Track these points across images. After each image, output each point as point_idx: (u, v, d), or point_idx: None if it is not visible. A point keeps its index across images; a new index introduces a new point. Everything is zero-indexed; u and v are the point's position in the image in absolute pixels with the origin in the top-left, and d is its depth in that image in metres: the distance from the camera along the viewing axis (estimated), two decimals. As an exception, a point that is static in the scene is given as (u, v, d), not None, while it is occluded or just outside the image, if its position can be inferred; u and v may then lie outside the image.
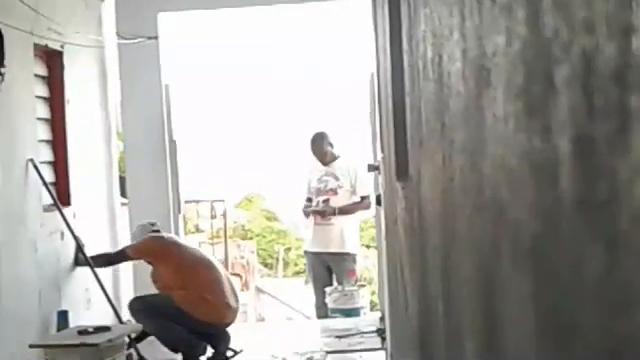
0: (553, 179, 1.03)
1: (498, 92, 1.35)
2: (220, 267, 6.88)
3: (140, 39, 7.71)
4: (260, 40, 16.37)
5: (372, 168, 6.84)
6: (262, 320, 11.30)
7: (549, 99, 1.04)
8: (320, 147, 8.54)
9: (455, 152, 1.86)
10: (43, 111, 6.49)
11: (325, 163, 8.56)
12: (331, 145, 8.58)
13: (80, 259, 6.62)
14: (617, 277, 0.83)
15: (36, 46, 6.20)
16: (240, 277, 11.90)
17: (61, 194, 6.59)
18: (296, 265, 15.71)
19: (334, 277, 8.59)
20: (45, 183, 6.14)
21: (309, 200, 8.63)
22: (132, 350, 6.23)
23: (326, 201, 8.48)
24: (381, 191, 6.00)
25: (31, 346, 5.55)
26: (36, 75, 6.33)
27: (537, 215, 1.14)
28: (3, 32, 5.45)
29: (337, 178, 8.52)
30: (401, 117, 3.25)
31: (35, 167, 6.01)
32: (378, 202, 6.44)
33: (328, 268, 8.61)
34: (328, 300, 8.33)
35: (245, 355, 6.64)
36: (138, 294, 6.94)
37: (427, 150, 2.47)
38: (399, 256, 4.04)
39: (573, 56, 0.94)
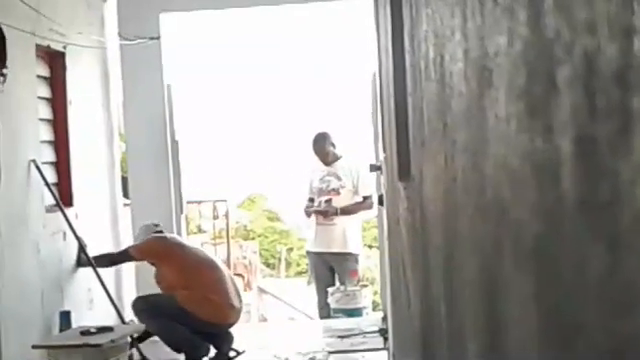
0: (555, 180, 1.03)
1: (500, 92, 1.35)
2: (223, 267, 6.88)
3: (142, 39, 7.71)
4: (262, 40, 16.38)
5: (374, 168, 6.83)
6: (264, 320, 11.30)
7: (551, 100, 1.04)
8: (322, 147, 8.54)
9: (457, 152, 1.86)
10: (45, 112, 6.50)
11: (327, 163, 8.56)
12: (333, 145, 8.58)
13: (82, 259, 6.62)
14: (619, 277, 0.83)
15: (38, 47, 6.20)
16: (242, 277, 11.91)
17: (63, 195, 6.60)
18: (298, 265, 15.72)
19: (336, 277, 8.59)
20: (47, 184, 6.14)
21: (311, 200, 8.63)
22: (134, 350, 6.24)
23: (328, 201, 8.48)
24: (383, 191, 6.00)
25: (34, 347, 5.56)
26: (38, 76, 6.33)
27: (539, 215, 1.14)
28: (5, 33, 5.45)
29: (339, 178, 8.52)
30: (403, 117, 3.25)
31: (37, 168, 6.01)
32: (380, 202, 6.44)
33: (330, 268, 8.61)
34: (330, 300, 8.33)
35: (247, 355, 6.64)
36: (141, 294, 6.94)
37: (429, 150, 2.47)
38: (401, 256, 4.04)
39: (575, 57, 0.94)
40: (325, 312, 8.47)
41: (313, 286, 9.04)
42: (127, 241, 7.60)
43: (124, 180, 8.18)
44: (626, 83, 0.79)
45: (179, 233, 7.77)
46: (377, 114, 6.57)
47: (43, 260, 6.03)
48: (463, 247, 1.87)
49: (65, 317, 6.18)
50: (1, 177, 5.36)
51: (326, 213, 8.44)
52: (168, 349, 6.39)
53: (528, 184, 1.18)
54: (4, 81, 5.46)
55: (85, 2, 7.38)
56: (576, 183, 0.96)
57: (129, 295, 7.45)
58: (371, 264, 12.19)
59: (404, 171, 3.29)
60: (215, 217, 12.58)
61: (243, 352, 6.65)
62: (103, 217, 7.50)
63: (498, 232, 1.44)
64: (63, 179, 6.69)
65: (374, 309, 8.94)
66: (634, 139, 0.78)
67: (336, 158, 8.58)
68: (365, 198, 8.47)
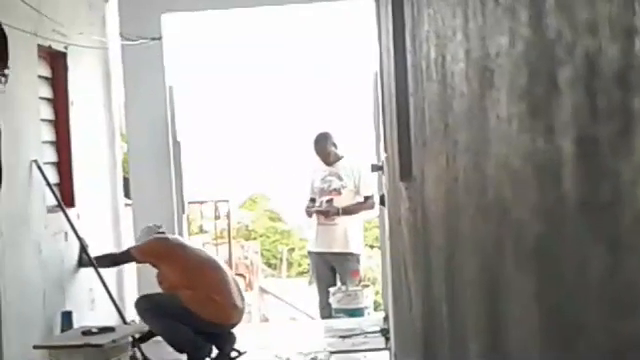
0: (556, 180, 1.03)
1: (501, 93, 1.35)
2: (226, 268, 6.88)
3: (144, 40, 7.71)
4: (264, 40, 16.37)
5: (376, 168, 6.84)
6: (266, 320, 11.30)
7: (552, 100, 1.04)
8: (324, 147, 8.54)
9: (459, 153, 1.86)
10: (47, 112, 6.50)
11: (329, 163, 8.56)
12: (335, 145, 8.58)
13: (84, 260, 6.63)
14: (620, 278, 0.83)
15: (40, 47, 6.21)
16: (244, 277, 11.90)
17: (65, 195, 6.60)
18: (300, 265, 15.71)
19: (338, 277, 8.59)
20: (49, 184, 6.15)
21: (312, 200, 8.63)
22: (136, 350, 6.24)
23: (330, 201, 8.48)
24: (385, 191, 6.00)
25: (35, 347, 5.56)
26: (40, 76, 6.34)
27: (540, 216, 1.15)
28: (7, 33, 5.45)
29: (341, 178, 8.52)
30: (405, 117, 3.25)
31: (39, 168, 6.01)
32: (382, 202, 6.44)
33: (332, 268, 8.61)
34: (332, 300, 8.33)
35: (249, 355, 6.64)
36: (142, 294, 6.93)
37: (431, 150, 2.47)
38: (403, 256, 4.04)
39: (576, 57, 0.94)
40: (326, 312, 8.47)
41: (314, 286, 9.04)
42: (128, 241, 7.60)
43: (126, 180, 8.18)
44: (627, 84, 0.79)
45: (181, 233, 7.77)
46: (379, 114, 6.58)
47: (45, 260, 6.04)
48: (464, 247, 1.87)
49: (66, 317, 6.19)
50: (3, 177, 5.36)
51: (327, 213, 8.44)
52: (171, 349, 6.39)
53: (529, 184, 1.18)
54: (6, 81, 5.45)
55: (87, 2, 7.38)
56: (577, 183, 0.97)
57: (131, 295, 7.45)
58: (372, 264, 12.19)
59: (406, 171, 3.30)
60: (217, 217, 12.58)
61: (244, 352, 6.64)
62: (105, 217, 7.51)
63: (499, 232, 1.44)
64: (65, 179, 6.70)
65: (375, 309, 8.94)
66: (635, 140, 0.78)
67: (338, 158, 8.58)
68: (366, 198, 8.47)
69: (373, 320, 7.90)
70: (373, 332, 7.32)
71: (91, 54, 7.26)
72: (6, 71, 5.45)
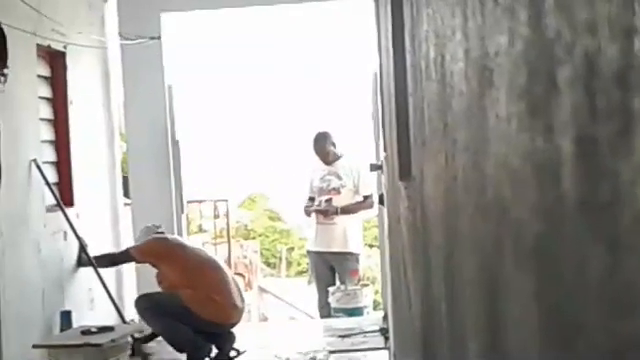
0: (555, 180, 1.03)
1: (501, 92, 1.35)
2: (226, 267, 6.88)
3: (143, 39, 7.71)
4: (263, 40, 16.37)
5: (375, 167, 6.84)
6: (265, 320, 11.31)
7: (551, 100, 1.04)
8: (323, 147, 8.55)
9: (458, 152, 1.86)
10: (46, 112, 6.50)
11: (328, 162, 8.57)
12: (334, 145, 8.58)
13: (83, 259, 6.63)
14: (620, 278, 0.83)
15: (39, 47, 6.21)
16: (243, 277, 11.90)
17: (64, 194, 6.60)
18: (299, 265, 15.72)
19: (337, 277, 8.59)
20: (48, 183, 6.15)
21: (311, 199, 8.64)
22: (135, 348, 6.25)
23: (329, 200, 8.48)
24: (384, 190, 6.00)
25: (34, 346, 5.56)
26: (39, 76, 6.34)
27: (539, 215, 1.15)
28: (6, 33, 5.45)
29: (340, 177, 8.52)
30: (404, 117, 3.25)
31: (38, 167, 6.02)
32: (381, 201, 6.44)
33: (331, 268, 8.61)
34: (331, 300, 8.33)
35: (248, 355, 6.64)
36: (142, 293, 6.93)
37: (430, 150, 2.47)
38: (402, 255, 4.04)
39: (576, 57, 0.94)
40: (326, 311, 8.48)
41: (314, 285, 9.05)
42: (128, 241, 7.61)
43: (125, 180, 8.19)
44: (627, 83, 0.79)
45: (180, 233, 7.78)
46: (378, 114, 6.58)
47: (44, 260, 6.04)
48: (464, 246, 1.87)
49: (66, 317, 6.19)
50: (2, 177, 5.36)
51: (327, 212, 8.44)
52: (170, 349, 6.39)
53: (528, 184, 1.18)
54: (5, 81, 5.46)
55: (86, 2, 7.39)
56: (576, 183, 0.97)
57: (130, 295, 7.45)
58: (372, 263, 12.20)
59: (405, 170, 3.30)
60: (216, 217, 12.58)
61: (244, 352, 6.64)
62: (104, 217, 7.51)
63: (499, 232, 1.44)
64: (64, 179, 6.70)
65: (375, 308, 8.94)
66: (635, 139, 0.78)
67: (337, 157, 8.58)
68: (366, 197, 8.48)
69: (372, 319, 7.91)
70: (372, 331, 7.32)
71: (90, 53, 7.26)
72: (5, 70, 5.46)
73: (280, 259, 15.94)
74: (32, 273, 5.86)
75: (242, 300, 6.65)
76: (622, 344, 0.84)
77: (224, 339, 6.52)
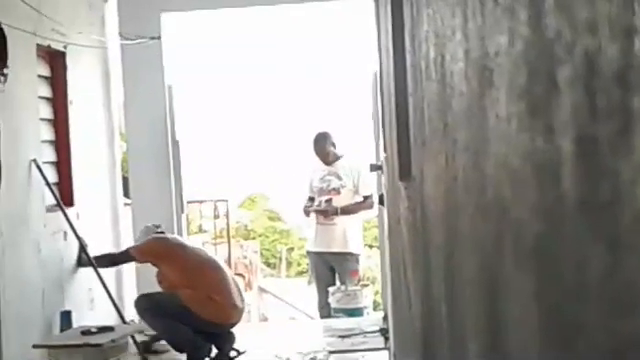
0: (556, 179, 1.03)
1: (501, 92, 1.35)
2: (226, 268, 6.88)
3: (143, 39, 7.71)
4: (263, 40, 16.37)
5: (375, 168, 6.84)
6: (265, 320, 11.31)
7: (552, 99, 1.04)
8: (323, 147, 8.55)
9: (458, 152, 1.86)
10: (46, 111, 6.50)
11: (328, 163, 8.56)
12: (334, 145, 8.58)
13: (83, 259, 6.63)
14: (620, 277, 0.83)
15: (39, 47, 6.21)
16: (243, 277, 11.90)
17: (64, 194, 6.60)
18: (299, 265, 15.72)
19: (337, 277, 8.59)
20: (48, 183, 6.15)
21: (311, 200, 8.64)
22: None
23: (329, 201, 8.48)
24: (384, 191, 6.00)
25: (34, 346, 5.56)
26: (39, 76, 6.34)
27: (539, 215, 1.15)
28: (6, 33, 5.46)
29: (340, 178, 8.52)
30: (404, 117, 3.25)
31: (38, 167, 6.02)
32: (381, 202, 6.44)
33: (331, 268, 8.61)
34: (331, 300, 8.33)
35: (248, 355, 6.64)
36: (142, 293, 6.93)
37: (430, 150, 2.47)
38: (402, 256, 4.04)
39: (576, 57, 0.94)
40: (326, 312, 8.48)
41: (314, 286, 9.04)
42: (128, 241, 7.61)
43: (125, 180, 8.19)
44: (627, 83, 0.79)
45: (180, 233, 7.77)
46: (378, 114, 6.57)
47: (44, 260, 6.04)
48: (464, 247, 1.87)
49: (66, 317, 6.19)
50: (2, 177, 5.36)
51: (326, 213, 8.44)
52: (171, 348, 6.40)
53: (529, 184, 1.18)
54: (5, 81, 5.46)
55: (86, 2, 7.39)
56: (577, 183, 0.97)
57: (130, 295, 7.45)
58: (372, 264, 12.20)
59: (405, 171, 3.29)
60: (216, 217, 12.58)
61: (244, 352, 6.64)
62: (104, 217, 7.51)
63: (499, 232, 1.44)
64: (64, 179, 6.70)
65: (375, 309, 8.94)
66: (635, 139, 0.78)
67: (337, 158, 8.58)
68: (365, 198, 8.47)
69: (372, 320, 7.90)
70: (372, 332, 7.32)
71: (90, 53, 7.26)
72: (5, 70, 5.46)
73: (280, 259, 15.95)
74: (32, 273, 5.86)
75: (242, 300, 6.65)
76: (622, 344, 0.84)
77: (224, 339, 6.52)
